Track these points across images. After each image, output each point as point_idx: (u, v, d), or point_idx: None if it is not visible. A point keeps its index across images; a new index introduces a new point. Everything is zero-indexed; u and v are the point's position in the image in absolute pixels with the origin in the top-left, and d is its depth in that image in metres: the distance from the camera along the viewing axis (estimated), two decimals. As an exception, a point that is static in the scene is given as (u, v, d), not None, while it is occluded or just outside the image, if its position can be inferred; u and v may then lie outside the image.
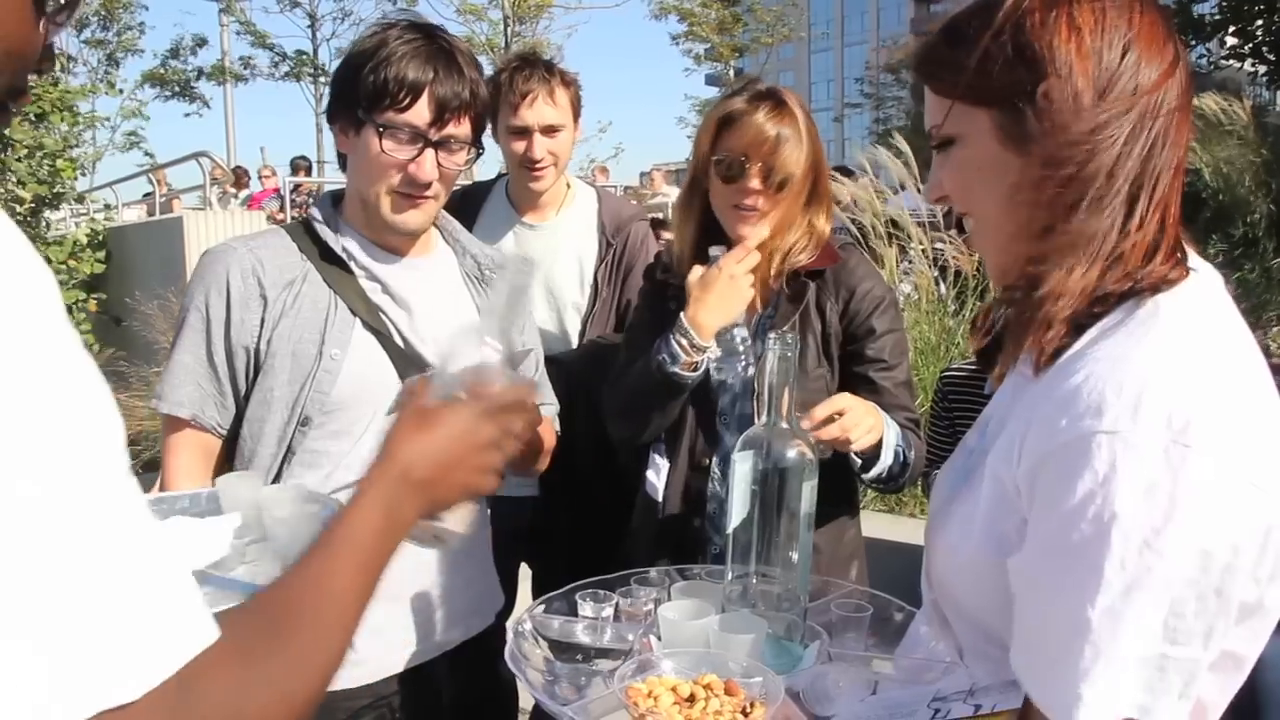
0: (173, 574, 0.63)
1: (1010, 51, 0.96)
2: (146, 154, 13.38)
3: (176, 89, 19.66)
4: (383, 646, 1.63)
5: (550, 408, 1.89)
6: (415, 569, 1.63)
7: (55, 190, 8.25)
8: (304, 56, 21.28)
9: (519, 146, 2.50)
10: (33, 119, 8.11)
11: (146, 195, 13.90)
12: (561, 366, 2.31)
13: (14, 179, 8.12)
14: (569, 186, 2.70)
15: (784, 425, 1.28)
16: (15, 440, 0.57)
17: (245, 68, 20.06)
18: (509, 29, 18.12)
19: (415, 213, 1.65)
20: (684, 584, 1.45)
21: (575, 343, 2.57)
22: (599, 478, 2.31)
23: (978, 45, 0.97)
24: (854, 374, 1.84)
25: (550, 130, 2.51)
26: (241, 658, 0.66)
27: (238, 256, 1.64)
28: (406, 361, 1.64)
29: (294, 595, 0.78)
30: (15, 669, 0.55)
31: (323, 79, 20.60)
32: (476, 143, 1.67)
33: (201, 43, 18.34)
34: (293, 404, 1.60)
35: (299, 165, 13.67)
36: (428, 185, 1.61)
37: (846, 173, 5.71)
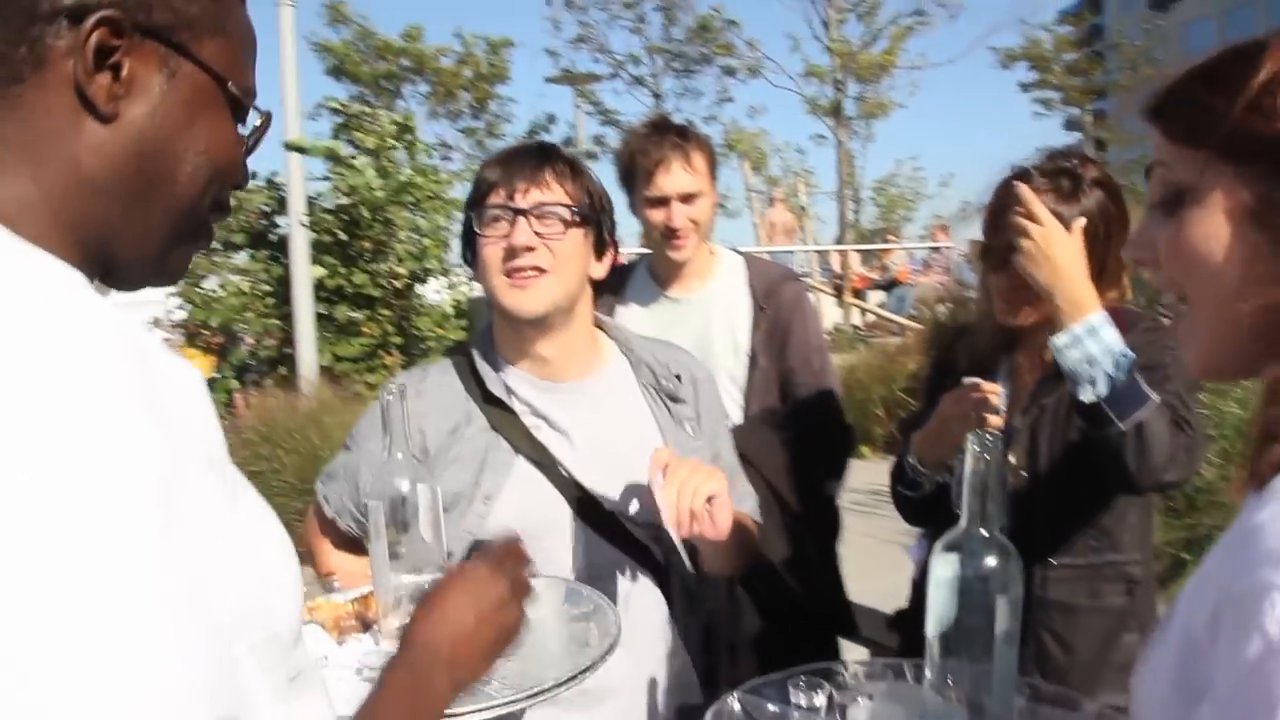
0: None
1: None
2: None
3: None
4: None
5: (750, 503, 1.85)
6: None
7: (424, 266, 9.32)
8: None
9: (657, 216, 2.43)
10: (410, 206, 9.25)
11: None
12: None
13: (394, 258, 9.27)
14: (713, 254, 2.59)
15: (981, 531, 1.23)
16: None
17: (597, 144, 21.64)
18: (841, 91, 18.19)
19: (524, 294, 1.62)
20: (892, 685, 1.41)
21: (738, 417, 2.47)
22: (787, 560, 2.23)
23: (1244, 90, 0.82)
24: None
25: (689, 197, 2.42)
26: None
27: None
28: (578, 496, 1.64)
29: None
30: None
31: None
32: (587, 210, 1.66)
33: (552, 119, 20.14)
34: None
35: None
36: (528, 250, 1.60)
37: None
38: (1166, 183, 0.89)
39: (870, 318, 13.59)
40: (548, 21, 22.01)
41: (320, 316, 9.02)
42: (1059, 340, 1.63)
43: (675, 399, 1.77)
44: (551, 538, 1.63)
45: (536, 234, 1.60)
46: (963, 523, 1.24)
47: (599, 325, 1.80)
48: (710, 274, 2.56)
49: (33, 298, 0.67)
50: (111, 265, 0.82)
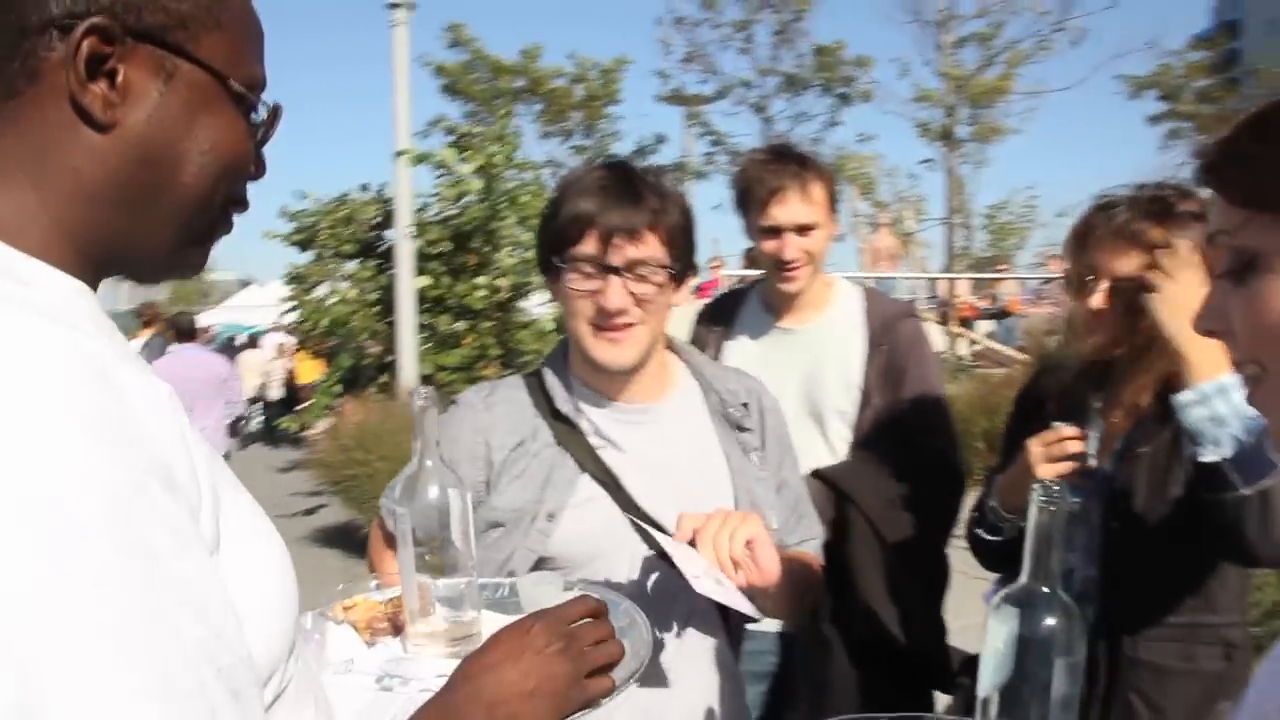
0: None
1: None
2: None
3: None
4: None
5: (814, 542, 1.79)
6: None
7: (528, 280, 9.44)
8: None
9: (770, 247, 2.34)
10: (517, 221, 9.38)
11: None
12: (827, 481, 2.20)
13: (498, 271, 9.41)
14: (829, 285, 2.49)
15: (1043, 589, 1.15)
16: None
17: (708, 164, 21.63)
18: (952, 116, 17.75)
19: (616, 349, 1.59)
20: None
21: (845, 453, 2.37)
22: (886, 605, 2.15)
23: None
24: None
25: (804, 229, 2.31)
26: None
27: (473, 414, 1.68)
28: (639, 517, 1.60)
29: None
30: None
31: None
32: (679, 261, 1.60)
33: (661, 140, 20.21)
34: (503, 561, 1.60)
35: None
36: (620, 313, 1.55)
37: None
38: (1232, 249, 0.82)
39: (977, 347, 13.24)
40: (657, 42, 22.09)
41: (423, 326, 9.21)
42: (1185, 397, 1.54)
43: (741, 428, 1.73)
44: (611, 558, 1.60)
45: (630, 293, 1.55)
46: (1023, 577, 1.16)
47: (670, 347, 1.77)
48: (825, 305, 2.46)
49: None
50: (123, 267, 0.84)
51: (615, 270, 1.54)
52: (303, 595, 0.87)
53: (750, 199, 2.35)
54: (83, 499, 0.62)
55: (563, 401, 1.66)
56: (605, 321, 1.57)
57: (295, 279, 11.11)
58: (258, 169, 0.90)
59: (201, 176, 0.82)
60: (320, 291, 10.75)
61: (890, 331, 2.38)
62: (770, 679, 2.36)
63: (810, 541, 1.79)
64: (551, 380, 1.69)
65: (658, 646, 1.58)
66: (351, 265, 10.60)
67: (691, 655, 1.65)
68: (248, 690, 0.70)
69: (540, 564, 1.61)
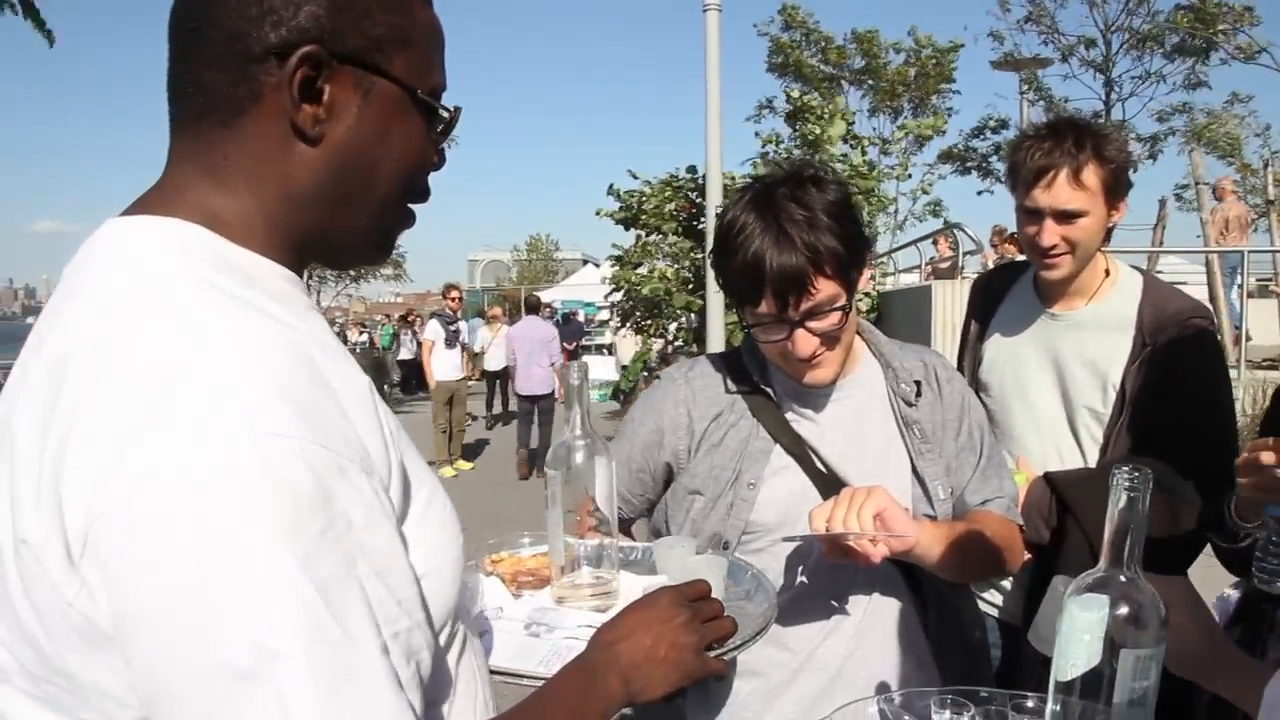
0: None
1: None
2: (947, 223, 14.49)
3: (970, 166, 20.76)
4: None
5: (1001, 500, 1.79)
6: None
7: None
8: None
9: (1029, 230, 2.15)
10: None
11: (929, 261, 14.89)
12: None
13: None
14: (1108, 273, 2.24)
15: (1122, 578, 1.10)
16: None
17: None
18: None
19: (814, 372, 1.69)
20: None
21: (1088, 457, 2.16)
22: None
23: None
24: None
25: (1067, 215, 2.09)
26: None
27: (675, 387, 1.82)
28: (828, 485, 1.68)
29: None
30: None
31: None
32: (851, 282, 1.63)
33: (1003, 124, 19.07)
34: (713, 531, 1.71)
35: None
36: (813, 356, 1.64)
37: None
38: None
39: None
40: (995, 2, 20.70)
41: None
42: None
43: (908, 402, 1.78)
44: (797, 526, 1.67)
45: (816, 335, 1.63)
46: (1102, 563, 1.12)
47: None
48: (1098, 294, 2.23)
49: (223, 318, 0.79)
50: (323, 257, 0.96)
51: (796, 324, 1.62)
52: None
53: (1016, 178, 2.17)
54: (296, 471, 0.72)
55: (758, 377, 1.77)
56: (799, 361, 1.66)
57: (618, 258, 11.77)
58: (438, 161, 0.99)
59: (391, 179, 0.93)
60: (643, 270, 11.32)
61: (1165, 332, 2.11)
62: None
63: (997, 500, 1.79)
64: (748, 358, 1.81)
65: (837, 610, 1.72)
66: (669, 244, 11.07)
67: (877, 620, 1.73)
68: (422, 653, 0.81)
69: (744, 529, 1.71)
